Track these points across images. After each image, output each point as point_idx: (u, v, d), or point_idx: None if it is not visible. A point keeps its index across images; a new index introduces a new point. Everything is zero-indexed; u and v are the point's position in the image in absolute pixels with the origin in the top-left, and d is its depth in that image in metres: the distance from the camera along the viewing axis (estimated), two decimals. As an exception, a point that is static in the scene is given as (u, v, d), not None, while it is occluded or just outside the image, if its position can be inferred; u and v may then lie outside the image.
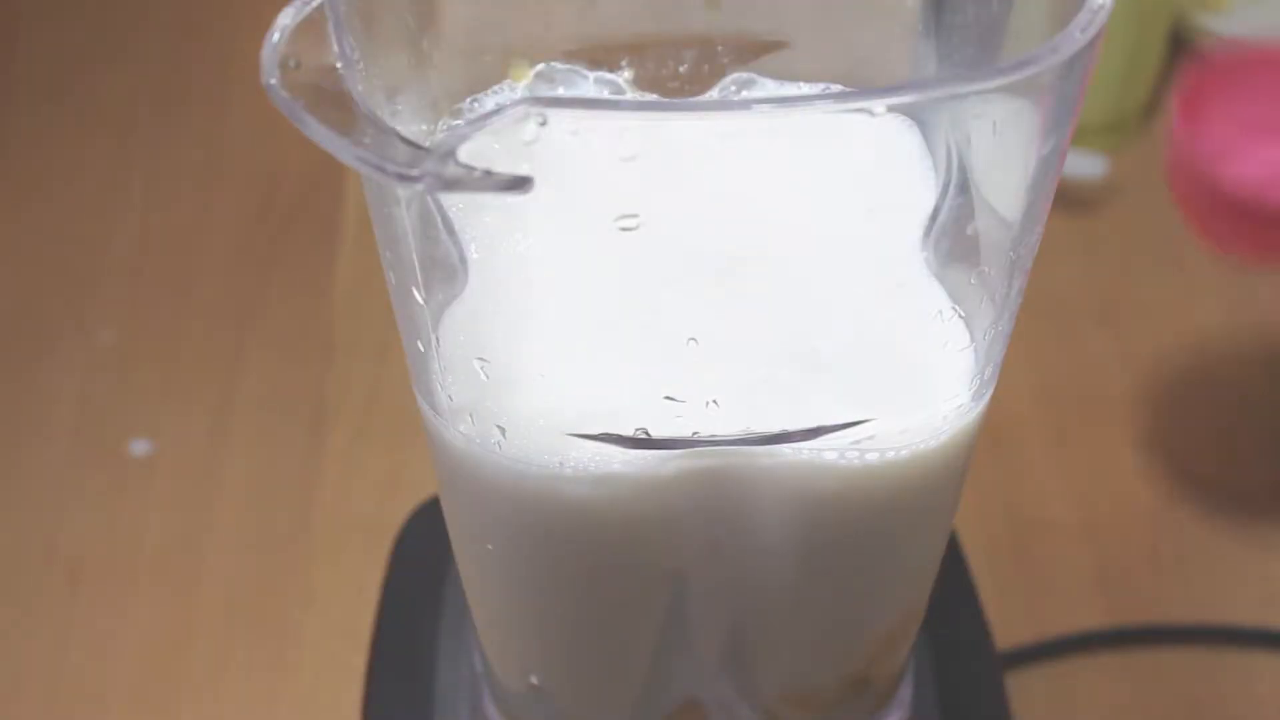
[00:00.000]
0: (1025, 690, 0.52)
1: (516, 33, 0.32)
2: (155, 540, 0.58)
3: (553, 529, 0.30)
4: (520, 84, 0.32)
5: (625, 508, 0.29)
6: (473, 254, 0.29)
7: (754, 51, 0.33)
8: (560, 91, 0.31)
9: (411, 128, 0.30)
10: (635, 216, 0.26)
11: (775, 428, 0.28)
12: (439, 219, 0.28)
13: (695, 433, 0.28)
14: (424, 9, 0.30)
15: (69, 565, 0.57)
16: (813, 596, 0.33)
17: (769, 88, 0.31)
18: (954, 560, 0.44)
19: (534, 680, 0.36)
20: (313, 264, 0.69)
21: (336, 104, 0.25)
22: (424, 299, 0.28)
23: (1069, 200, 0.70)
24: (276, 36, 0.25)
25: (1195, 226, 0.58)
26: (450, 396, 0.29)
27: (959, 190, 0.29)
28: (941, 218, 0.30)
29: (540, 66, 0.32)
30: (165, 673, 0.54)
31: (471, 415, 0.29)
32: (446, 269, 0.29)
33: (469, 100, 0.31)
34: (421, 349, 0.29)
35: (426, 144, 0.23)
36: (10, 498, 0.59)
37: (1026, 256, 0.29)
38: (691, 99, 0.24)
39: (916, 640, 0.38)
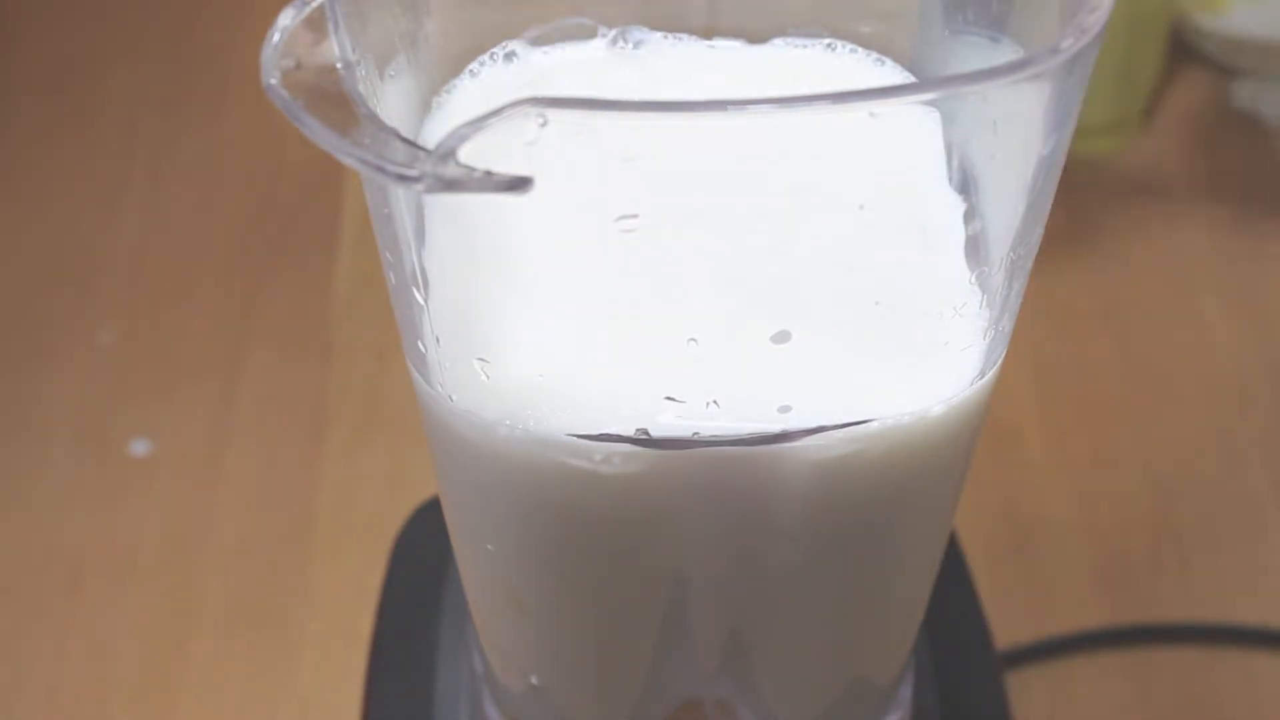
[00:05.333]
0: (1025, 690, 0.52)
1: (511, 26, 0.32)
2: (155, 540, 0.58)
3: (552, 529, 0.30)
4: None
5: (625, 508, 0.29)
6: (472, 255, 0.29)
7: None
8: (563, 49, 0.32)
9: (403, 100, 0.30)
10: (635, 217, 0.26)
11: (775, 428, 0.28)
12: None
13: (695, 433, 0.28)
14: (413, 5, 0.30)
15: (69, 565, 0.57)
16: (813, 595, 0.33)
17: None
18: (954, 560, 0.44)
19: (534, 680, 0.36)
20: (313, 264, 0.69)
21: (336, 104, 0.25)
22: (424, 300, 0.28)
23: (1069, 200, 0.70)
24: (276, 37, 0.25)
25: None
26: (450, 397, 0.29)
27: (959, 190, 0.29)
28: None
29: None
30: (165, 673, 0.54)
31: (471, 416, 0.29)
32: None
33: (467, 72, 0.31)
34: (422, 349, 0.29)
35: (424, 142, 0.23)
36: (10, 498, 0.59)
37: (1026, 256, 0.29)
38: (691, 100, 0.24)
39: (916, 640, 0.38)
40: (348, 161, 0.24)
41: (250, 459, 0.61)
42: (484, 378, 0.28)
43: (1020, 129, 0.26)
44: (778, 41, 0.32)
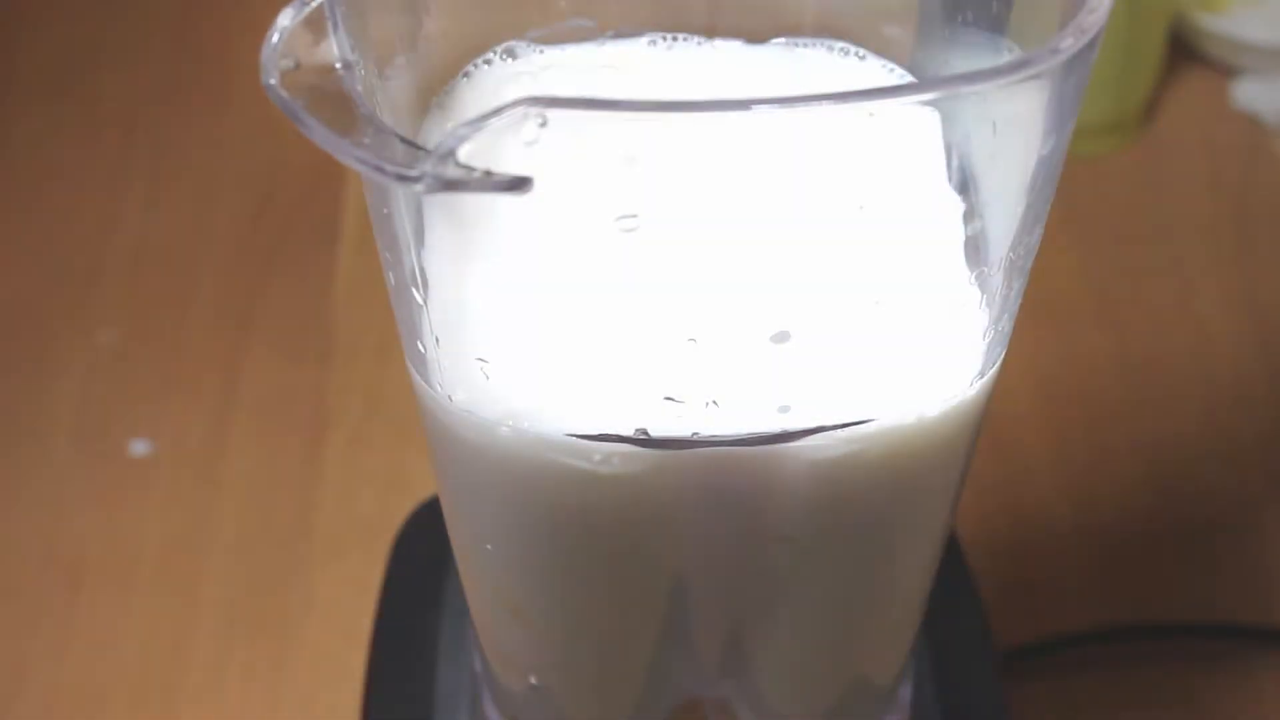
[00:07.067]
0: (1025, 690, 0.52)
1: (510, 26, 0.32)
2: (155, 540, 0.58)
3: (552, 529, 0.30)
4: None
5: (625, 508, 0.29)
6: (472, 255, 0.29)
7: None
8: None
9: (402, 100, 0.30)
10: (635, 217, 0.26)
11: (775, 428, 0.28)
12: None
13: (695, 433, 0.28)
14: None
15: (69, 565, 0.57)
16: (813, 595, 0.33)
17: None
18: (954, 560, 0.44)
19: (533, 680, 0.36)
20: (313, 264, 0.69)
21: (336, 104, 0.25)
22: (424, 300, 0.28)
23: (1069, 200, 0.70)
24: (276, 37, 0.25)
25: None
26: (450, 397, 0.29)
27: (959, 190, 0.29)
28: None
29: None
30: (165, 673, 0.54)
31: (471, 416, 0.29)
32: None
33: (465, 72, 0.31)
34: (421, 349, 0.29)
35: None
36: (10, 498, 0.59)
37: (1026, 257, 0.29)
38: (691, 100, 0.24)
39: (916, 640, 0.38)
40: (348, 161, 0.24)
41: (250, 459, 0.61)
42: (484, 378, 0.28)
43: (1020, 129, 0.26)
44: (778, 41, 0.32)
